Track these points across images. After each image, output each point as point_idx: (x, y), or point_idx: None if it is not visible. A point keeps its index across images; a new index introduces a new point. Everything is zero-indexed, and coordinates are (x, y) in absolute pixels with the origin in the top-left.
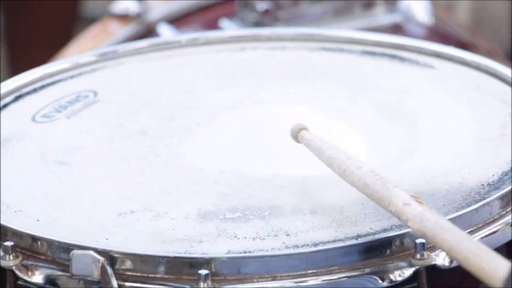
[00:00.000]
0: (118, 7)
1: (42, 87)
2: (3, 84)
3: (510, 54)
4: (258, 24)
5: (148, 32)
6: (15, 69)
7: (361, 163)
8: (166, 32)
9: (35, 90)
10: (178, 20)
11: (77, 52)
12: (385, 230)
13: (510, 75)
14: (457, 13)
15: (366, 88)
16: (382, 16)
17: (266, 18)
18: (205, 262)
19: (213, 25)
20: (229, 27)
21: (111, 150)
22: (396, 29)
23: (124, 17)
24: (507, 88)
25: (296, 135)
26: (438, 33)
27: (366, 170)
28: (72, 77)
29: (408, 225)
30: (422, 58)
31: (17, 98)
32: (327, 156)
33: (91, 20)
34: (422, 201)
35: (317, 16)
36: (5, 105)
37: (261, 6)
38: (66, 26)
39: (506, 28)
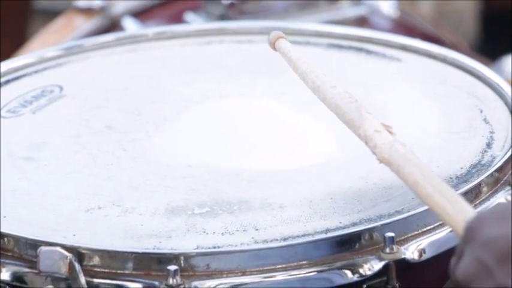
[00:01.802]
0: (82, 1)
1: (7, 82)
2: None
3: (473, 47)
4: (223, 17)
5: (113, 25)
6: None
7: (336, 83)
8: (130, 25)
9: None
10: (142, 14)
11: (41, 46)
12: (354, 224)
13: (477, 68)
14: (420, 6)
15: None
16: (347, 9)
17: (231, 12)
18: (174, 258)
19: (177, 19)
20: (194, 21)
21: (77, 146)
22: (361, 21)
23: (88, 11)
24: (474, 80)
25: (273, 42)
26: (403, 26)
27: (340, 89)
28: (37, 71)
29: (375, 152)
30: (388, 51)
31: None
32: (302, 69)
33: (44, 13)
34: (394, 132)
35: (282, 9)
36: None
37: None
38: (20, 19)
39: (468, 21)
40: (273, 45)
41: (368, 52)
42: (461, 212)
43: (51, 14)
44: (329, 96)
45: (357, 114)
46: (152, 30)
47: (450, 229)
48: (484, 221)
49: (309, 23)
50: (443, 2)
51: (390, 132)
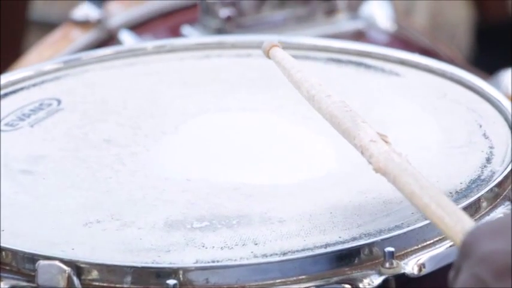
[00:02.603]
0: (78, 13)
1: (5, 95)
2: None
3: (468, 59)
4: (220, 31)
5: (110, 38)
6: None
7: (331, 92)
8: (127, 38)
9: None
10: (139, 27)
11: (37, 59)
12: (354, 239)
13: (476, 83)
14: (414, 18)
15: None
16: (344, 23)
17: (229, 25)
18: (173, 272)
19: (174, 32)
20: (191, 34)
21: (76, 159)
22: (359, 35)
23: (85, 24)
24: (473, 95)
25: (267, 50)
26: (400, 40)
27: (335, 99)
28: (35, 85)
29: (371, 161)
30: (387, 65)
31: None
32: (297, 78)
33: (39, 24)
34: (390, 141)
35: (279, 23)
36: None
37: (224, 12)
38: (17, 32)
39: (463, 33)
40: (267, 54)
41: (367, 66)
42: (459, 223)
43: (47, 26)
44: (324, 106)
45: (352, 123)
46: (151, 43)
47: (450, 244)
48: (480, 236)
49: (307, 37)
50: (437, 14)
51: (386, 142)
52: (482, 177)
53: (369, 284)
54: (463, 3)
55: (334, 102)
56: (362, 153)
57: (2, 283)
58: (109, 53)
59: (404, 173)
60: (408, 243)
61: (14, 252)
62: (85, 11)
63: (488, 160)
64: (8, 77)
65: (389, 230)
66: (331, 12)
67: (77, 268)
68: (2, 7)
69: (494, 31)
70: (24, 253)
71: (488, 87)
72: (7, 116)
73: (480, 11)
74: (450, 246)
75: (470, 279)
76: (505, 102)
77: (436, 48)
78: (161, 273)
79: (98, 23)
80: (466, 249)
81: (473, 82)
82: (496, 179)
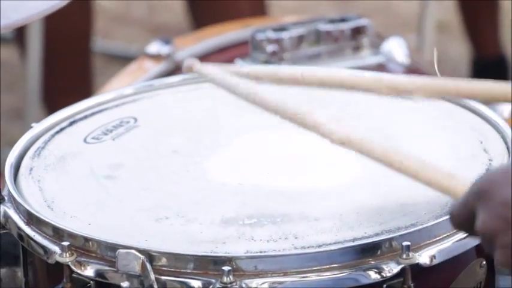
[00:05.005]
0: (151, 48)
1: (92, 114)
2: (60, 112)
3: None
4: (266, 63)
5: (177, 69)
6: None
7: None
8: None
9: (85, 117)
10: (201, 59)
11: (118, 86)
12: (377, 234)
13: (478, 107)
14: (424, 54)
15: (359, 116)
16: (368, 57)
17: (273, 58)
18: (228, 260)
19: (230, 64)
20: (243, 66)
21: (149, 167)
22: (380, 67)
23: (157, 57)
24: (475, 117)
25: (190, 67)
26: (413, 71)
27: (277, 95)
28: (116, 106)
29: (331, 136)
30: None
31: (71, 123)
32: (232, 83)
33: (120, 58)
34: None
35: (315, 57)
36: (61, 129)
37: (270, 48)
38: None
39: (462, 67)
40: (191, 70)
41: None
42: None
43: (122, 59)
44: (270, 98)
45: (304, 108)
46: None
47: (457, 239)
48: (498, 183)
49: (338, 69)
50: (441, 51)
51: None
52: None
53: (389, 272)
54: (463, 42)
55: (277, 98)
56: (317, 130)
57: (88, 267)
58: (177, 80)
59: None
60: (421, 238)
61: (99, 242)
62: (157, 47)
63: (488, 170)
64: (95, 99)
65: (406, 227)
66: (357, 48)
67: (150, 256)
68: (74, 44)
69: (488, 65)
70: (107, 243)
71: (488, 110)
72: (93, 131)
73: (476, 49)
74: (457, 241)
75: (495, 219)
76: (502, 123)
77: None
78: (218, 261)
79: (168, 56)
80: (484, 193)
81: (475, 106)
82: None
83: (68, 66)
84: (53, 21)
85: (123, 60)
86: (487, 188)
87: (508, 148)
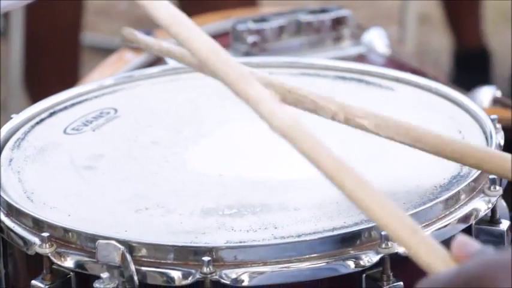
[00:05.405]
0: None
1: (72, 105)
2: (40, 102)
3: (449, 79)
4: (248, 54)
5: (158, 60)
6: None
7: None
8: (172, 60)
9: (66, 108)
10: None
11: (99, 77)
12: (356, 224)
13: (456, 97)
14: (405, 45)
15: None
16: (349, 48)
17: (255, 49)
18: (208, 250)
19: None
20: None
21: (129, 158)
22: (360, 58)
23: (137, 48)
24: (454, 107)
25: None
26: (394, 62)
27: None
28: (96, 97)
29: (269, 118)
30: (384, 82)
31: (51, 114)
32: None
33: (98, 49)
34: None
35: (296, 47)
36: (41, 120)
37: (251, 39)
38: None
39: (445, 59)
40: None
41: (367, 83)
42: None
43: (105, 52)
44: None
45: (241, 76)
46: None
47: (436, 229)
48: (495, 273)
49: (318, 59)
50: (423, 42)
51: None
52: (461, 174)
53: (368, 261)
54: (445, 33)
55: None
56: (254, 107)
57: (68, 258)
58: (156, 71)
59: (308, 138)
60: None
61: (78, 233)
62: None
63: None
64: (75, 90)
65: None
66: (338, 39)
67: (129, 247)
68: (61, 36)
69: (470, 56)
70: (87, 234)
71: (467, 100)
72: (73, 122)
73: (458, 40)
74: (435, 230)
75: None
76: (480, 112)
77: (424, 69)
78: (198, 252)
79: None
80: (477, 283)
81: (454, 96)
82: (473, 175)
83: (55, 58)
84: (40, 12)
85: (107, 52)
86: (482, 276)
87: (486, 137)
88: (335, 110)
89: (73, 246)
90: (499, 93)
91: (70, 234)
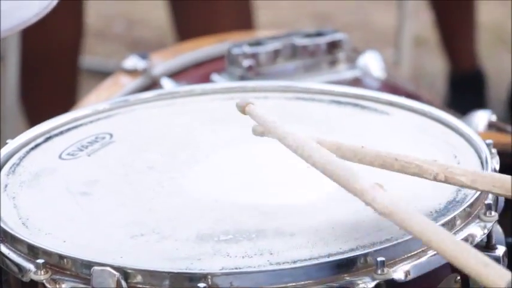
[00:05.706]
0: (128, 64)
1: (68, 130)
2: (36, 127)
3: (444, 102)
4: (243, 77)
5: (153, 84)
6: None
7: (315, 144)
8: (167, 84)
9: (61, 133)
10: (177, 75)
11: (95, 101)
12: (352, 250)
13: (451, 121)
14: (400, 69)
15: (333, 131)
16: (344, 72)
17: (250, 73)
18: (203, 277)
19: (205, 79)
20: (219, 80)
21: (124, 183)
22: (356, 82)
23: (133, 72)
24: (449, 131)
25: (243, 107)
26: (389, 86)
27: (325, 151)
28: (91, 121)
29: (373, 205)
30: (379, 106)
31: (47, 139)
32: (280, 131)
33: (94, 73)
34: (386, 189)
35: (291, 71)
36: (37, 145)
37: (246, 63)
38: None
39: (441, 81)
40: (243, 110)
41: (362, 107)
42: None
43: (101, 74)
44: (317, 156)
45: (348, 170)
46: (185, 88)
47: (431, 254)
48: None
49: (313, 83)
50: (419, 67)
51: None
52: (457, 199)
53: None
54: (441, 56)
55: (326, 151)
56: (362, 196)
57: (63, 285)
58: (152, 95)
59: (408, 215)
60: (396, 253)
61: (74, 260)
62: (134, 62)
63: None
64: (70, 115)
65: (381, 242)
66: (333, 63)
67: (125, 273)
68: (58, 58)
69: (465, 80)
70: (82, 260)
71: (462, 124)
72: (69, 147)
73: (453, 63)
74: (431, 256)
75: None
76: (475, 137)
77: (419, 93)
78: (193, 278)
79: (144, 71)
80: None
81: (449, 120)
82: (468, 200)
83: (53, 80)
84: (36, 34)
85: (102, 75)
86: None
87: (481, 162)
88: (437, 171)
89: (68, 272)
90: (494, 117)
91: (65, 260)
